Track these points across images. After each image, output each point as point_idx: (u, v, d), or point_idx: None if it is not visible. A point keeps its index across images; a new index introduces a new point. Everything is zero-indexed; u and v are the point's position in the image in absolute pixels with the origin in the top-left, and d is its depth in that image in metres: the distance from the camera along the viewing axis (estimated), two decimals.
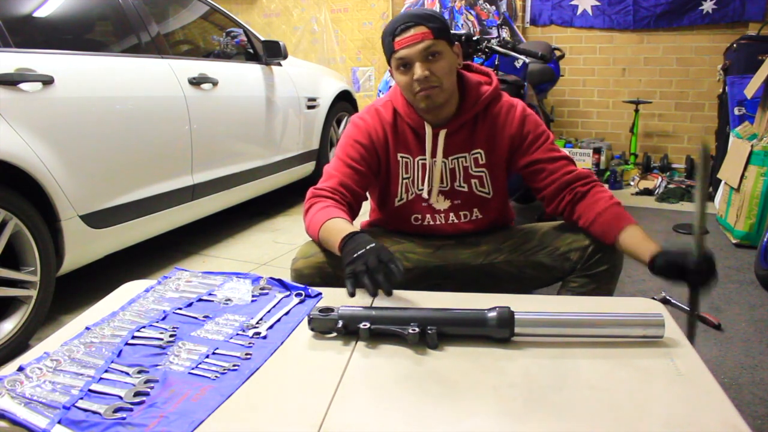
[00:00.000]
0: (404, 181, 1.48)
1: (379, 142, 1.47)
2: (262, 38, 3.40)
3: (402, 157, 1.47)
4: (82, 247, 2.20)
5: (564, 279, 1.45)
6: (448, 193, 1.48)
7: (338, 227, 1.28)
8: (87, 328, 1.06)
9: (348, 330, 1.03)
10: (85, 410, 0.82)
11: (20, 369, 0.92)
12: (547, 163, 1.42)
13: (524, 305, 1.07)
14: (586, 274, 1.39)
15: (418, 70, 1.32)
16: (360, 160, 1.45)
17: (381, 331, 1.02)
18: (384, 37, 1.37)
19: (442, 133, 1.42)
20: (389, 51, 1.36)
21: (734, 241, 3.01)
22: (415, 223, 1.52)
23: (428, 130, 1.42)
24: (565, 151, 1.48)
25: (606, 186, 4.30)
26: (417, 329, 1.00)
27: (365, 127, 1.47)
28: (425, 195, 1.47)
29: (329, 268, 1.35)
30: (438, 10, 4.71)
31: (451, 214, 1.50)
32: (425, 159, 1.45)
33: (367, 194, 1.56)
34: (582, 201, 1.38)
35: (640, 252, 1.24)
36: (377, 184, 1.54)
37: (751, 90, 3.13)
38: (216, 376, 0.92)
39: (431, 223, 1.51)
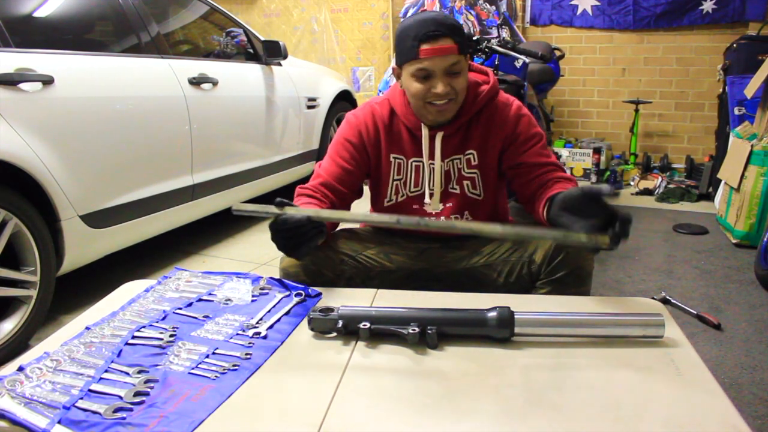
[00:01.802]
0: (395, 182, 1.47)
1: (369, 139, 1.46)
2: (262, 38, 3.41)
3: (395, 158, 1.46)
4: (82, 247, 2.20)
5: (533, 285, 1.40)
6: (441, 195, 1.46)
7: None
8: (87, 328, 1.06)
9: (348, 330, 1.03)
10: (85, 410, 0.82)
11: (20, 369, 0.92)
12: (532, 167, 1.40)
13: (524, 305, 1.07)
14: (551, 280, 1.35)
15: (440, 86, 1.30)
16: (349, 159, 1.45)
17: (381, 331, 1.02)
18: (404, 36, 1.31)
19: (439, 136, 1.41)
20: (410, 55, 1.30)
21: (734, 241, 3.01)
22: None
23: (425, 132, 1.41)
24: (555, 157, 1.45)
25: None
26: (417, 329, 1.00)
27: (356, 123, 1.47)
28: (427, 200, 1.45)
29: (312, 265, 1.36)
30: (438, 10, 4.72)
31: (443, 218, 1.48)
32: (419, 161, 1.44)
33: (367, 192, 1.56)
34: (544, 192, 1.35)
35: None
36: (369, 183, 1.54)
37: (751, 90, 3.13)
38: (216, 376, 0.92)
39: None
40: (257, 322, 1.09)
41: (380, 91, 4.44)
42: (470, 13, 4.30)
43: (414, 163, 1.45)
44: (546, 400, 0.86)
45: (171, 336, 1.03)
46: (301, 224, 1.16)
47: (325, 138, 3.87)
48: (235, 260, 2.88)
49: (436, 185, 1.44)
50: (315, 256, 1.35)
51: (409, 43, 1.30)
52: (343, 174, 1.44)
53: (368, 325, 1.02)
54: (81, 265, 2.27)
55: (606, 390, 0.88)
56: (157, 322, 1.09)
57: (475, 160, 1.44)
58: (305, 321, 1.08)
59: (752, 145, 2.95)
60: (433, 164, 1.43)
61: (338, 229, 1.51)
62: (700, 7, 4.31)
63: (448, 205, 1.47)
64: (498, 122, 1.43)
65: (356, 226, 1.58)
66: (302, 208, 1.21)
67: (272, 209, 1.18)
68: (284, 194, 3.76)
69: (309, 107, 3.68)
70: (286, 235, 1.17)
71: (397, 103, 1.44)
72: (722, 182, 3.33)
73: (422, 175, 1.45)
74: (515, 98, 1.47)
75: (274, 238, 1.20)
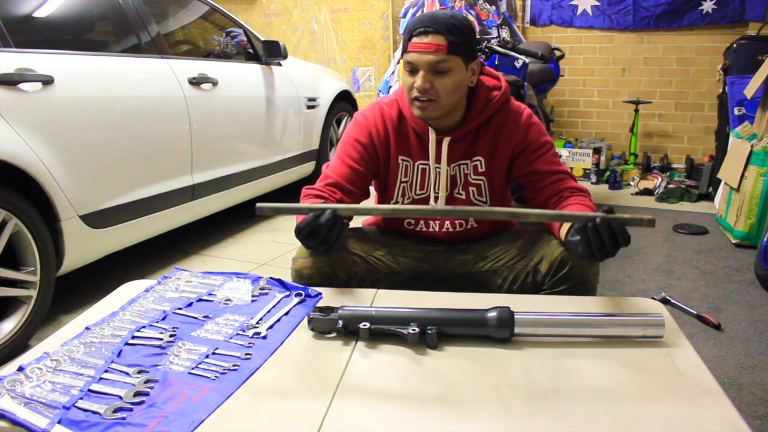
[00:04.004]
0: (402, 184, 1.46)
1: (379, 140, 1.45)
2: (262, 38, 3.41)
3: (402, 159, 1.45)
4: (82, 247, 2.20)
5: (537, 294, 1.38)
6: (446, 199, 1.45)
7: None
8: (87, 328, 1.06)
9: (348, 330, 1.03)
10: (85, 410, 0.82)
11: (20, 369, 0.92)
12: (545, 175, 1.40)
13: (524, 305, 1.07)
14: (553, 292, 1.34)
15: (419, 80, 1.30)
16: (359, 159, 1.44)
17: (381, 331, 1.02)
18: (405, 30, 1.35)
19: (446, 141, 1.40)
20: (404, 47, 1.34)
21: (734, 241, 3.01)
22: (408, 227, 1.50)
23: (432, 136, 1.40)
24: (566, 166, 1.46)
25: (605, 186, 4.33)
26: (417, 329, 1.00)
27: (366, 124, 1.45)
28: (431, 203, 1.45)
29: (327, 267, 1.35)
30: (437, 10, 4.71)
31: (447, 222, 1.47)
32: (426, 164, 1.43)
33: (372, 192, 1.56)
34: (561, 202, 1.37)
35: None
36: (377, 185, 1.54)
37: (750, 90, 3.13)
38: (216, 376, 0.92)
39: (424, 229, 1.49)
40: (257, 322, 1.09)
41: (380, 92, 4.43)
42: (470, 13, 4.30)
43: (420, 166, 1.44)
44: (546, 400, 0.86)
45: (171, 336, 1.03)
46: (331, 226, 1.15)
47: (325, 138, 3.87)
48: (235, 260, 2.88)
49: (441, 189, 1.43)
50: (330, 258, 1.34)
51: (406, 36, 1.33)
52: (352, 174, 1.43)
53: (368, 325, 1.02)
54: (81, 265, 2.27)
55: (606, 390, 0.88)
56: (157, 322, 1.09)
57: (482, 167, 1.43)
58: (305, 321, 1.08)
59: (752, 145, 2.95)
60: (439, 168, 1.42)
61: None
62: (700, 7, 4.31)
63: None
64: (509, 130, 1.41)
65: (360, 224, 1.58)
66: (334, 205, 1.20)
67: (299, 206, 1.18)
68: (284, 194, 3.76)
69: (309, 107, 3.68)
70: (318, 238, 1.16)
71: (406, 105, 1.43)
72: (722, 182, 3.33)
73: (428, 179, 1.44)
74: (526, 106, 1.46)
75: (305, 241, 1.19)
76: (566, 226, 1.28)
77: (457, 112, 1.39)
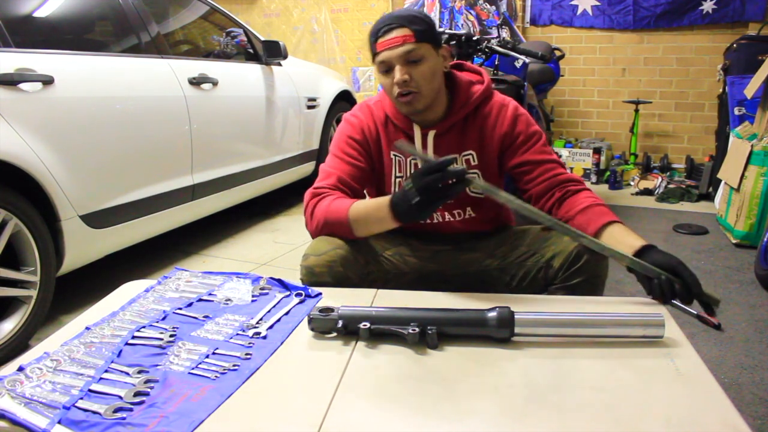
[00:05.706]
0: (397, 179, 1.47)
1: (371, 138, 1.46)
2: (262, 38, 3.41)
3: (394, 155, 1.46)
4: (82, 247, 2.20)
5: (546, 289, 1.39)
6: None
7: (370, 202, 1.30)
8: (87, 328, 1.06)
9: (348, 330, 1.03)
10: (85, 410, 0.82)
11: (20, 369, 0.92)
12: (537, 164, 1.40)
13: (524, 305, 1.07)
14: (566, 285, 1.34)
15: (398, 74, 1.31)
16: (357, 156, 1.45)
17: (381, 331, 1.01)
18: (369, 38, 1.36)
19: (431, 135, 1.41)
20: (372, 53, 1.35)
21: (734, 241, 3.01)
22: None
23: (417, 131, 1.42)
24: (556, 155, 1.46)
25: (605, 186, 4.33)
26: (417, 329, 1.00)
27: (359, 123, 1.47)
28: None
29: (340, 267, 1.33)
30: (438, 11, 4.72)
31: (446, 213, 1.48)
32: (417, 159, 1.44)
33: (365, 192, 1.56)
34: (571, 198, 1.36)
35: (624, 244, 1.22)
36: (373, 182, 1.54)
37: (751, 90, 3.13)
38: (216, 376, 0.92)
39: (426, 221, 1.50)
40: (257, 322, 1.09)
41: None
42: (470, 13, 4.31)
43: (413, 161, 1.45)
44: (546, 400, 0.86)
45: (171, 336, 1.03)
46: (460, 178, 1.14)
47: (325, 138, 3.87)
48: (235, 260, 2.88)
49: None
50: (344, 259, 1.32)
51: (371, 41, 1.35)
52: (355, 171, 1.43)
53: (368, 325, 1.02)
54: (81, 265, 2.27)
55: (606, 390, 0.88)
56: (157, 322, 1.09)
57: (474, 161, 1.44)
58: (305, 321, 1.08)
59: (752, 145, 2.95)
60: None
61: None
62: (700, 7, 4.31)
63: (448, 201, 1.46)
64: (495, 123, 1.43)
65: None
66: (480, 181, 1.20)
67: (433, 158, 1.18)
68: (284, 194, 3.75)
69: (309, 107, 3.68)
70: (437, 188, 1.13)
71: (387, 106, 1.45)
72: (722, 182, 3.33)
73: None
74: (512, 99, 1.47)
75: (421, 186, 1.14)
76: (622, 241, 1.23)
77: (440, 105, 1.41)
